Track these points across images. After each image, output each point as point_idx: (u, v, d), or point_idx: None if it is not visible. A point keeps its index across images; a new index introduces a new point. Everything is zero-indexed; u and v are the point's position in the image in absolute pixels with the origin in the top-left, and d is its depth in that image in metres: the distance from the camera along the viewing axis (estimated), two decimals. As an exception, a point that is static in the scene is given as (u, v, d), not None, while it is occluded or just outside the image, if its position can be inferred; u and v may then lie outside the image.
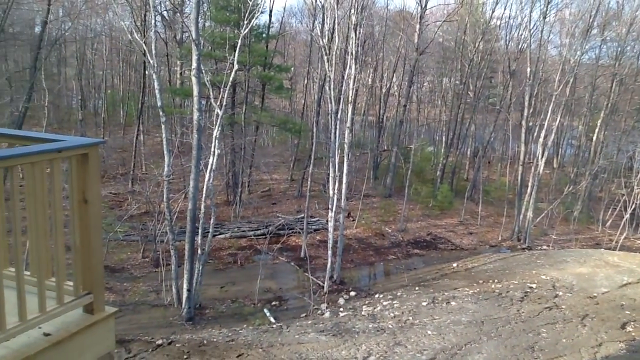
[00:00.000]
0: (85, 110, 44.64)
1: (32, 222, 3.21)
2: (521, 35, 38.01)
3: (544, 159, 29.81)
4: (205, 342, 13.76)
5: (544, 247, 28.68)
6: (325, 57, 22.70)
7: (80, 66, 43.32)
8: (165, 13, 35.33)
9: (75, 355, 3.34)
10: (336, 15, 22.86)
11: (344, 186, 22.01)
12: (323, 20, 26.92)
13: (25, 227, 3.15)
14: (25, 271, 3.19)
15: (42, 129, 29.40)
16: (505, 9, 61.67)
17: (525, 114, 31.19)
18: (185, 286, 17.44)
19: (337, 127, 21.68)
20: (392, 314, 16.75)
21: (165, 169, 17.63)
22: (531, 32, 31.93)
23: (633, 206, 29.77)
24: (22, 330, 3.08)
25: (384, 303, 18.56)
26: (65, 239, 3.41)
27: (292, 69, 44.80)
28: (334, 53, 22.46)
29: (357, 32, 22.20)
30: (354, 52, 21.81)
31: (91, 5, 39.44)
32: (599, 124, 37.90)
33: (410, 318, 16.10)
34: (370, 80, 45.59)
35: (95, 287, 3.50)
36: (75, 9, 36.80)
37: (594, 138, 38.35)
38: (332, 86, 22.16)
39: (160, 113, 17.98)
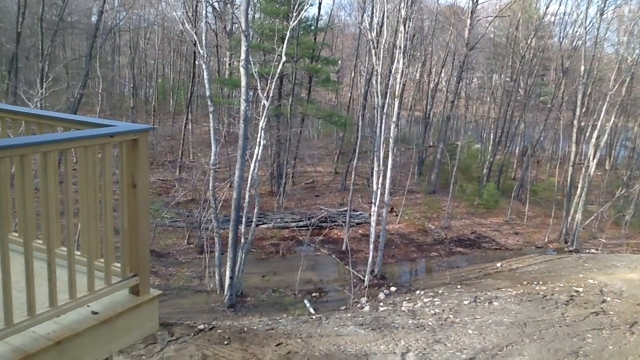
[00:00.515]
0: (137, 98, 45.72)
1: (84, 204, 3.33)
2: (576, 32, 36.84)
3: (595, 160, 28.89)
4: (245, 329, 13.98)
5: (593, 250, 27.83)
6: (373, 51, 22.58)
7: (133, 55, 44.39)
8: (216, 4, 35.78)
9: (121, 334, 3.45)
10: (385, 9, 22.68)
11: (387, 181, 21.90)
12: (372, 13, 26.77)
13: (77, 209, 3.27)
14: (75, 251, 3.32)
15: (96, 115, 30.23)
16: (560, 4, 60.01)
17: (578, 113, 30.26)
18: (227, 273, 17.74)
19: (383, 121, 21.56)
20: (432, 311, 16.62)
21: (212, 157, 17.92)
22: (587, 29, 30.90)
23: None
24: (72, 307, 3.20)
25: (425, 300, 18.43)
26: (114, 222, 3.52)
27: (340, 61, 44.69)
28: (382, 47, 22.31)
29: (406, 26, 21.97)
30: (402, 46, 21.61)
31: (145, -5, 40.30)
32: (656, 126, 36.48)
33: (451, 316, 15.95)
34: (418, 75, 45.07)
35: (141, 269, 3.60)
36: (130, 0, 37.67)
37: (650, 140, 36.95)
38: (379, 80, 22.03)
39: (209, 103, 18.28)
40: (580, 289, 18.50)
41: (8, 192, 2.97)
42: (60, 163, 3.96)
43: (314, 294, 19.95)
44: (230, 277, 17.68)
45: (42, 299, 3.02)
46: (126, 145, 3.43)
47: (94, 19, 41.81)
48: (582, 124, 32.12)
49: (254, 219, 19.23)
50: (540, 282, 20.10)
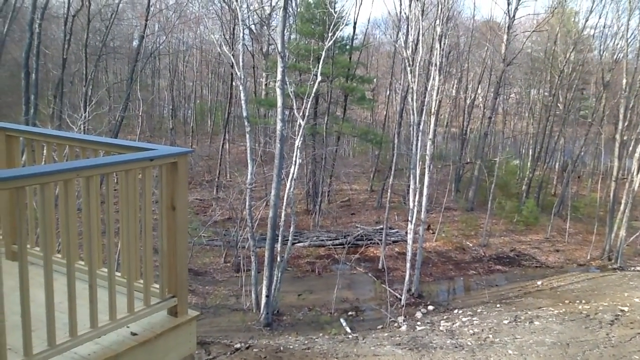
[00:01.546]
0: (176, 119, 46.67)
1: (124, 226, 3.42)
2: (617, 44, 36.11)
3: (639, 175, 28.09)
4: (281, 348, 13.98)
5: (638, 268, 26.93)
6: (408, 68, 22.58)
7: (172, 77, 45.42)
8: (253, 27, 36.43)
9: (160, 356, 3.51)
10: (421, 27, 22.69)
11: (424, 198, 21.74)
12: (407, 31, 26.79)
13: (117, 229, 3.36)
14: (115, 272, 3.40)
15: (136, 136, 30.97)
16: (600, 17, 58.84)
17: (620, 127, 29.55)
18: (264, 292, 17.81)
19: (419, 138, 21.48)
20: (471, 331, 16.32)
21: (249, 177, 18.12)
22: (628, 41, 30.31)
23: None
24: (112, 328, 3.28)
25: (463, 319, 18.11)
26: (153, 242, 3.60)
27: (375, 80, 44.81)
28: (418, 64, 22.30)
29: (442, 43, 21.96)
30: (438, 63, 21.58)
31: (184, 20, 41.30)
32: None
33: (491, 336, 15.62)
34: (454, 91, 44.79)
35: (179, 291, 3.66)
36: (170, 24, 38.68)
37: (698, 154, 35.66)
38: (414, 97, 21.99)
39: (246, 123, 18.54)
40: (626, 308, 17.91)
41: (53, 216, 3.07)
42: (102, 184, 4.09)
43: (350, 313, 19.84)
44: (267, 296, 17.74)
45: (83, 320, 3.10)
46: (166, 168, 3.51)
47: (135, 43, 43.05)
48: (625, 138, 31.31)
49: (290, 238, 19.31)
50: (583, 301, 19.54)
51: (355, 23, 33.30)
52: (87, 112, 20.32)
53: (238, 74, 18.23)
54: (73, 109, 22.83)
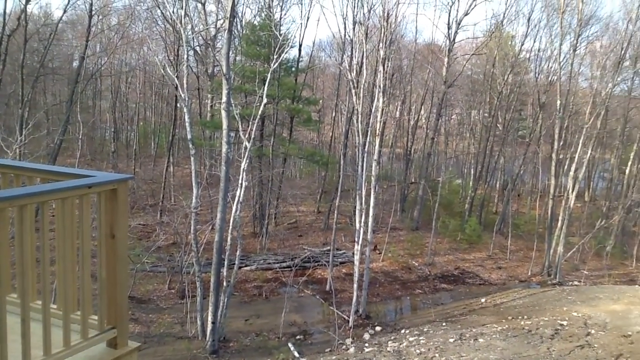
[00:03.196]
0: (118, 142, 45.68)
1: (60, 255, 3.29)
2: (551, 67, 37.88)
3: (575, 193, 29.31)
4: (229, 375, 13.70)
5: (576, 282, 27.95)
6: (353, 90, 22.92)
7: (115, 99, 44.55)
8: (197, 48, 36.21)
9: (98, 390, 3.37)
10: (365, 49, 23.13)
11: (370, 219, 21.94)
12: (352, 54, 27.26)
13: (53, 258, 3.23)
14: (52, 304, 3.26)
15: (76, 160, 30.11)
16: (535, 41, 61.41)
17: (556, 146, 30.82)
18: (210, 318, 17.46)
19: (365, 159, 21.73)
20: (418, 351, 16.46)
21: (194, 200, 17.85)
22: (561, 64, 31.80)
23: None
24: (46, 364, 3.13)
25: (410, 339, 18.26)
26: (92, 271, 3.48)
27: (321, 101, 45.24)
28: (362, 86, 22.67)
29: (385, 66, 22.44)
30: (381, 85, 22.01)
31: (127, 41, 40.70)
32: (631, 157, 37.16)
33: (437, 355, 15.80)
34: (398, 112, 45.71)
35: (119, 321, 3.54)
36: (112, 45, 38.04)
37: (627, 171, 37.57)
38: (359, 119, 22.30)
39: (190, 145, 18.31)
40: (565, 322, 18.50)
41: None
42: (37, 213, 3.93)
43: (298, 337, 19.67)
44: (213, 322, 17.40)
45: (15, 357, 2.95)
46: (105, 195, 3.41)
47: (75, 64, 42.04)
48: (561, 156, 32.67)
49: (236, 262, 19.07)
50: (525, 317, 20.07)
51: (300, 45, 33.70)
52: (23, 136, 19.63)
53: (182, 95, 18.03)
54: (8, 132, 22.01)
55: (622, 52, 30.29)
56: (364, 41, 23.22)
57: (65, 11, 31.26)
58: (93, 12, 29.83)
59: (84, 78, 34.42)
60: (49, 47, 29.91)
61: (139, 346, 3.71)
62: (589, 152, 32.26)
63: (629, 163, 37.44)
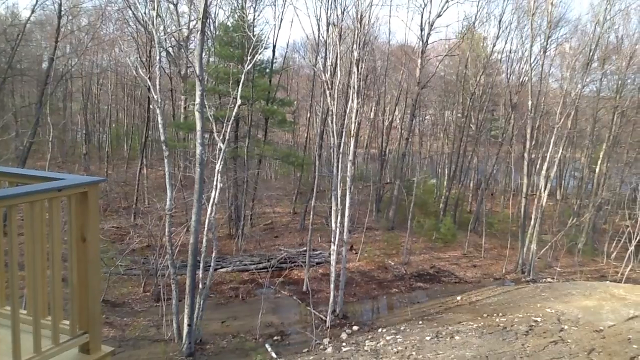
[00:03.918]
0: (90, 144, 44.99)
1: (30, 258, 3.22)
2: (522, 68, 38.50)
3: (546, 191, 29.80)
4: (205, 378, 13.59)
5: (549, 279, 28.43)
6: (327, 92, 22.95)
7: (86, 101, 43.86)
8: (170, 49, 35.87)
9: (70, 396, 3.30)
10: (339, 51, 23.17)
11: (346, 219, 21.98)
12: (325, 55, 27.31)
13: (22, 263, 3.16)
14: (21, 310, 3.19)
15: (46, 163, 29.56)
16: (506, 43, 62.65)
17: (527, 146, 31.30)
18: (186, 321, 17.29)
19: (340, 160, 21.77)
20: (395, 349, 16.54)
21: (167, 202, 17.65)
22: (532, 65, 32.33)
23: (638, 238, 29.55)
24: (16, 371, 3.05)
25: (387, 338, 18.34)
26: (63, 275, 3.41)
27: (295, 102, 45.20)
28: (337, 87, 22.71)
29: (359, 67, 22.50)
30: (356, 87, 22.07)
31: (98, 41, 40.10)
32: (601, 156, 37.95)
33: (414, 353, 15.89)
34: (372, 113, 45.93)
35: (91, 326, 3.48)
36: (82, 46, 37.43)
37: (597, 170, 38.34)
38: (334, 120, 22.33)
39: (164, 147, 18.11)
40: (539, 319, 18.77)
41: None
42: (6, 217, 3.84)
43: (275, 338, 19.61)
44: (189, 325, 17.24)
45: (-17, 365, 2.88)
46: (75, 198, 3.34)
47: (44, 65, 41.27)
48: (532, 156, 33.19)
49: (212, 263, 18.93)
50: (500, 314, 20.32)
51: (274, 46, 33.57)
52: (-9, 138, 19.18)
53: (155, 97, 17.81)
54: (-25, 135, 21.51)
55: (591, 53, 30.91)
56: (337, 43, 23.26)
57: (33, 11, 30.63)
58: (62, 13, 29.34)
59: (54, 79, 33.79)
60: (17, 48, 29.31)
61: (112, 350, 3.65)
62: (560, 151, 32.86)
63: (599, 162, 38.22)
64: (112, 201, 34.25)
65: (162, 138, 18.08)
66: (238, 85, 19.25)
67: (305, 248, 26.73)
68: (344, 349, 17.52)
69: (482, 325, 18.69)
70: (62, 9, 29.06)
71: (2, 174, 3.72)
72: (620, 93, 38.23)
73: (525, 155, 31.65)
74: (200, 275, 18.15)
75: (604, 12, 31.32)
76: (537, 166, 33.87)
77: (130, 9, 32.39)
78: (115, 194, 35.75)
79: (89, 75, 45.15)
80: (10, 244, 3.05)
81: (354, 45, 22.83)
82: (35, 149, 32.96)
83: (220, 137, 18.38)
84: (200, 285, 18.09)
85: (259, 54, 23.40)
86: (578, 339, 16.18)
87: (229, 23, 32.44)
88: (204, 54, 20.33)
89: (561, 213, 40.59)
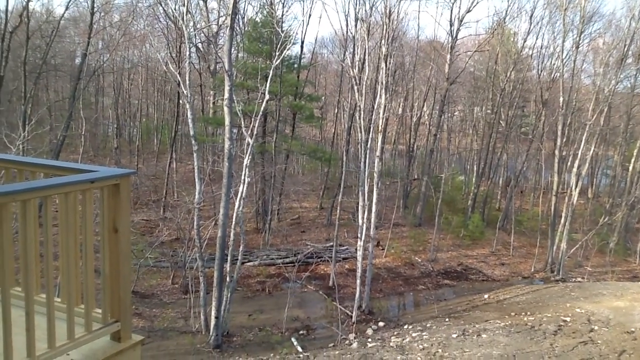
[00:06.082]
0: (121, 138, 45.73)
1: (64, 250, 3.31)
2: (554, 64, 37.79)
3: (577, 189, 29.26)
4: (232, 370, 13.74)
5: (579, 279, 27.94)
6: (355, 87, 22.91)
7: (117, 96, 44.60)
8: (199, 45, 36.20)
9: (102, 383, 3.39)
10: (367, 46, 23.13)
11: (373, 215, 21.94)
12: (354, 51, 27.23)
13: (57, 253, 3.25)
14: (55, 297, 3.28)
15: (79, 156, 30.15)
16: (537, 38, 61.40)
17: (559, 143, 30.75)
18: (213, 313, 17.51)
19: (367, 155, 21.74)
20: (421, 346, 16.48)
21: (196, 196, 17.88)
22: (564, 61, 31.69)
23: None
24: (51, 357, 3.15)
25: (413, 334, 18.29)
26: (95, 265, 3.50)
27: (323, 98, 45.22)
28: (365, 83, 22.65)
29: (388, 63, 22.38)
30: (384, 82, 21.96)
31: (129, 37, 40.71)
32: (635, 154, 37.05)
33: (440, 350, 15.82)
34: (400, 109, 45.69)
35: (122, 315, 3.56)
36: (114, 41, 38.06)
37: (630, 168, 37.47)
38: (362, 115, 22.30)
39: (193, 142, 18.33)
40: (568, 319, 18.50)
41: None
42: (41, 208, 3.96)
43: (301, 332, 19.72)
44: (216, 317, 17.45)
45: (20, 349, 2.97)
46: (107, 190, 3.42)
47: (77, 61, 42.10)
48: (564, 153, 32.62)
49: (239, 257, 19.10)
50: (528, 313, 20.08)
51: (302, 42, 33.70)
52: (26, 132, 19.66)
53: (185, 92, 18.03)
54: (11, 129, 22.06)
55: (625, 49, 30.17)
56: (366, 38, 23.20)
57: (67, 8, 31.38)
58: (95, 9, 29.84)
59: (86, 75, 34.43)
60: (51, 44, 29.93)
61: (142, 339, 3.73)
62: (592, 149, 32.21)
63: (632, 160, 37.34)
64: (142, 194, 34.78)
65: (192, 132, 18.31)
66: (266, 81, 19.37)
67: (331, 243, 26.77)
68: (369, 345, 17.53)
69: (510, 324, 18.50)
70: (95, 5, 29.55)
71: (37, 165, 3.83)
72: (656, 89, 37.31)
73: (556, 152, 31.10)
74: (228, 269, 18.34)
75: (639, 7, 30.55)
76: (568, 164, 33.30)
77: (161, 5, 32.77)
78: (145, 187, 36.30)
79: (120, 71, 45.87)
80: (46, 235, 3.14)
81: (382, 41, 22.70)
82: (68, 142, 33.67)
83: (249, 132, 18.52)
84: (227, 278, 18.28)
85: (287, 50, 23.46)
86: (608, 340, 15.91)
87: (257, 19, 32.63)
88: (232, 50, 20.45)
89: (592, 211, 39.81)
